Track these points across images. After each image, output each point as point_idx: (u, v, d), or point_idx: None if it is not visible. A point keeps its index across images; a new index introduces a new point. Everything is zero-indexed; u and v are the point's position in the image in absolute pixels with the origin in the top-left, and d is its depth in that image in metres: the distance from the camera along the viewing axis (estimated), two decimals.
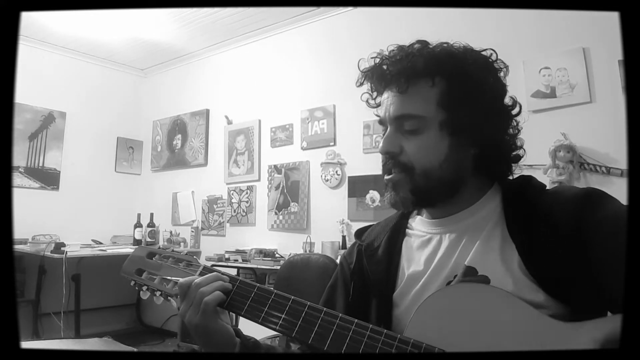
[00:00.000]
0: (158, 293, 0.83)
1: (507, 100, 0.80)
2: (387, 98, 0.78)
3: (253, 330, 0.85)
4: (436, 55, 0.76)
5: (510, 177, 0.82)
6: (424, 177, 0.75)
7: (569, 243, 0.67)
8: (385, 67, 0.78)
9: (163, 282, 0.83)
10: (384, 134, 0.79)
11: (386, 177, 0.79)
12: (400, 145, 0.76)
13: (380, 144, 0.78)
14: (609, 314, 0.67)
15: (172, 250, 0.87)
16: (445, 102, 0.74)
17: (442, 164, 0.75)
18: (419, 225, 0.85)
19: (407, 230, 0.86)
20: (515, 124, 0.80)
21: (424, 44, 0.78)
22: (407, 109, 0.75)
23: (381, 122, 0.80)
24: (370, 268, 0.84)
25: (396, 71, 0.76)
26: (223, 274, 0.79)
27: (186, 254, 0.86)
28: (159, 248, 0.89)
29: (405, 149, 0.76)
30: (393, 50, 0.79)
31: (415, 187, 0.75)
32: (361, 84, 0.84)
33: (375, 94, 0.84)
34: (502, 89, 0.79)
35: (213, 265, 3.20)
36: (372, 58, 0.81)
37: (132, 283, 0.85)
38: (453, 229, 0.78)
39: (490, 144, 0.77)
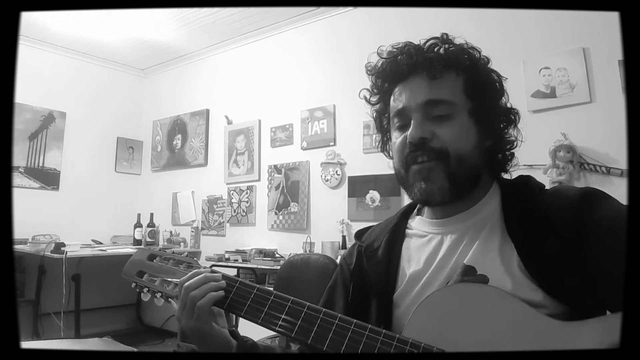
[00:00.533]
0: (159, 295, 0.83)
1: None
2: (405, 88, 0.78)
3: (252, 330, 0.85)
4: (457, 50, 0.78)
5: (509, 177, 0.83)
6: (458, 162, 0.74)
7: (567, 242, 0.68)
8: (411, 54, 0.78)
9: (164, 283, 0.83)
10: (399, 125, 0.79)
11: (415, 166, 0.76)
12: (431, 131, 0.75)
13: (411, 131, 0.75)
14: (607, 313, 0.67)
15: (173, 252, 0.87)
16: (470, 91, 0.76)
17: (474, 150, 0.76)
18: (420, 225, 0.85)
19: (406, 230, 0.86)
20: (516, 121, 0.83)
21: (445, 38, 0.80)
22: (438, 94, 0.75)
23: (401, 112, 0.78)
24: (370, 269, 0.83)
25: (429, 58, 0.77)
26: (215, 272, 0.78)
27: (187, 256, 0.86)
28: (160, 250, 0.89)
29: (438, 135, 0.75)
30: (410, 43, 0.80)
31: (451, 173, 0.74)
32: (383, 71, 0.82)
33: (375, 91, 0.85)
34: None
35: (213, 266, 3.21)
36: (390, 50, 0.81)
37: (133, 285, 0.85)
38: (454, 229, 0.79)
39: (501, 138, 0.81)
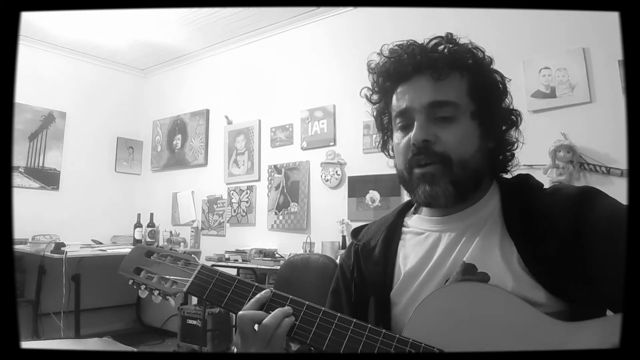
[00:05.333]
0: (156, 292, 0.82)
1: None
2: (409, 88, 0.77)
3: None
4: (461, 50, 0.77)
5: (509, 176, 0.83)
6: (461, 167, 0.74)
7: (566, 240, 0.68)
8: (415, 53, 0.77)
9: (161, 281, 0.82)
10: (401, 125, 0.78)
11: (418, 170, 0.75)
12: (434, 134, 0.74)
13: (414, 133, 0.74)
14: (608, 313, 0.67)
15: (170, 249, 0.86)
16: (474, 93, 0.76)
17: (476, 154, 0.75)
18: (417, 223, 0.84)
19: (403, 228, 0.86)
20: (518, 123, 0.83)
21: (449, 37, 0.79)
22: (443, 96, 0.74)
23: (403, 112, 0.77)
24: (367, 268, 0.83)
25: (433, 58, 0.75)
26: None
27: (184, 253, 0.85)
28: (157, 246, 0.88)
29: (441, 138, 0.74)
30: (414, 42, 0.79)
31: (455, 178, 0.74)
32: (386, 70, 0.80)
33: (377, 89, 0.84)
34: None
35: (213, 266, 3.21)
36: (393, 48, 0.80)
37: (130, 282, 0.83)
38: (453, 227, 0.78)
39: (503, 139, 0.80)
